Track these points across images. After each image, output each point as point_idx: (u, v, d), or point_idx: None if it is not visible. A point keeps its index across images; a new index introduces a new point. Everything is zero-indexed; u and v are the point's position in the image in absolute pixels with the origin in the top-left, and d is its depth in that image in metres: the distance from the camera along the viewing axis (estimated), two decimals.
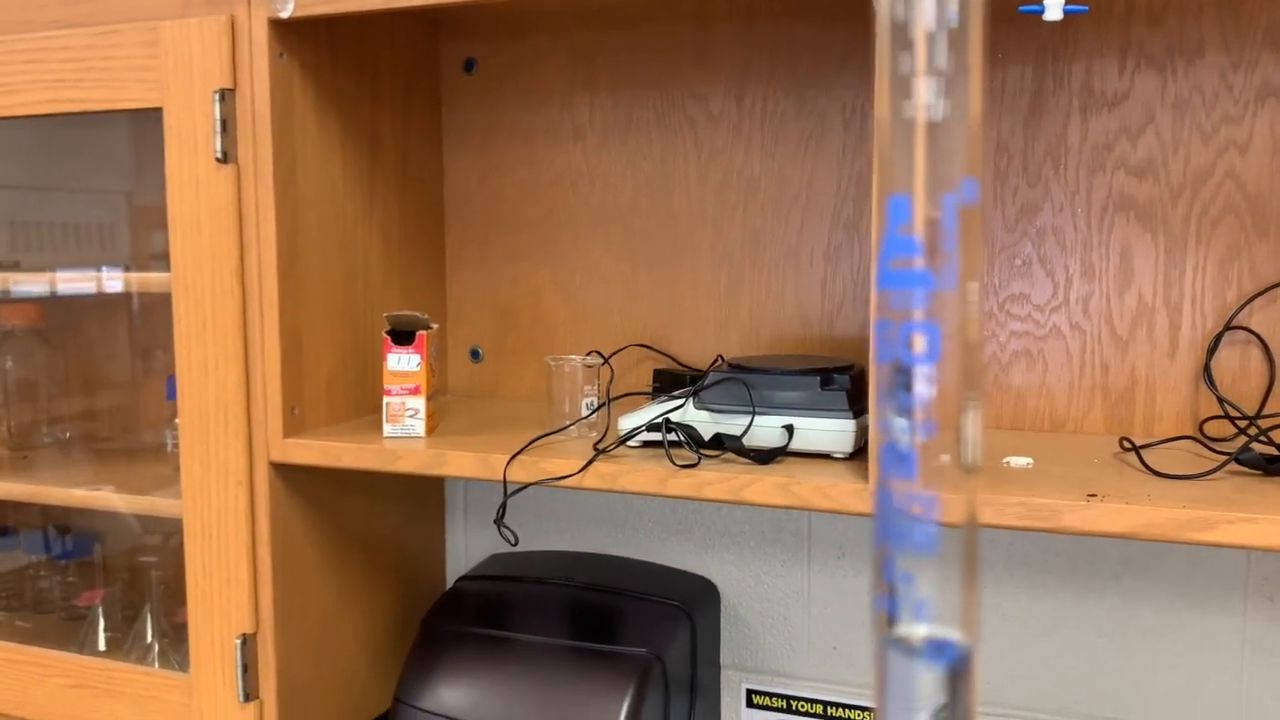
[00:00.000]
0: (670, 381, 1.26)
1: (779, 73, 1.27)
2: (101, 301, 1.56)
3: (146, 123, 1.25)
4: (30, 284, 1.41)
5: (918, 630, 0.27)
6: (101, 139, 1.53)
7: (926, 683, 0.27)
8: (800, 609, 1.32)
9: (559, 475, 1.06)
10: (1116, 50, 1.14)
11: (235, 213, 1.15)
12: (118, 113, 1.21)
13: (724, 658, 1.36)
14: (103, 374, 1.59)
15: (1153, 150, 1.13)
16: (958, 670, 0.26)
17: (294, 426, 1.18)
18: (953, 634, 0.26)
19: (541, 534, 1.44)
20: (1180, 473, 0.97)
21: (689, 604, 1.29)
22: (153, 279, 1.25)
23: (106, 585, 1.51)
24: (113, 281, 1.33)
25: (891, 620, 0.27)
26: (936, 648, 0.26)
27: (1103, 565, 1.18)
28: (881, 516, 0.27)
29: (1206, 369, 1.13)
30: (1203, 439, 1.12)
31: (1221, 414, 1.12)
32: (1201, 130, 1.12)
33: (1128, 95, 1.14)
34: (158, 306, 1.55)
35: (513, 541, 1.45)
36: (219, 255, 1.15)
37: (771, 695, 1.34)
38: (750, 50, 1.28)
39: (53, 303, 1.56)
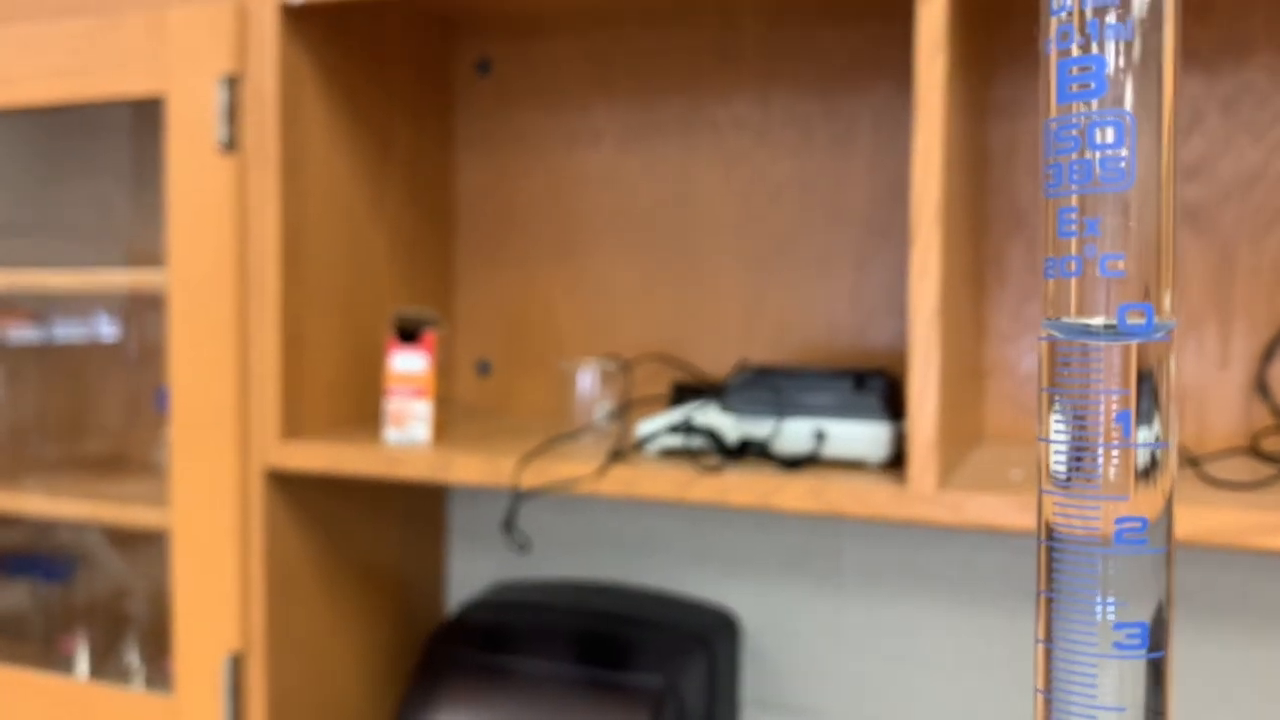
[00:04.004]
0: (690, 395, 1.20)
1: (806, 74, 1.22)
2: (92, 307, 1.51)
3: (146, 148, 1.20)
4: (17, 288, 1.35)
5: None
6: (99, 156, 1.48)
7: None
8: (828, 641, 1.24)
9: (573, 478, 0.99)
10: None
11: (237, 204, 1.09)
12: (119, 111, 1.17)
13: (744, 693, 1.28)
14: (94, 386, 1.53)
15: (1201, 151, 1.08)
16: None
17: (292, 430, 1.12)
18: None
19: (550, 560, 1.36)
20: (1236, 483, 0.90)
21: (706, 634, 1.21)
22: (149, 277, 1.19)
23: (90, 605, 1.44)
24: (107, 277, 1.27)
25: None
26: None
27: None
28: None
29: (1260, 380, 1.06)
30: (1257, 452, 1.05)
31: (1277, 427, 1.06)
32: (1252, 130, 1.07)
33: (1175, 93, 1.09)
34: (155, 319, 1.49)
35: (525, 547, 1.38)
36: (219, 248, 1.10)
37: None
38: (776, 51, 1.23)
39: (43, 313, 1.50)
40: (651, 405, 1.21)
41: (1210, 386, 1.08)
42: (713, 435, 1.01)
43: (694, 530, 1.30)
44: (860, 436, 0.98)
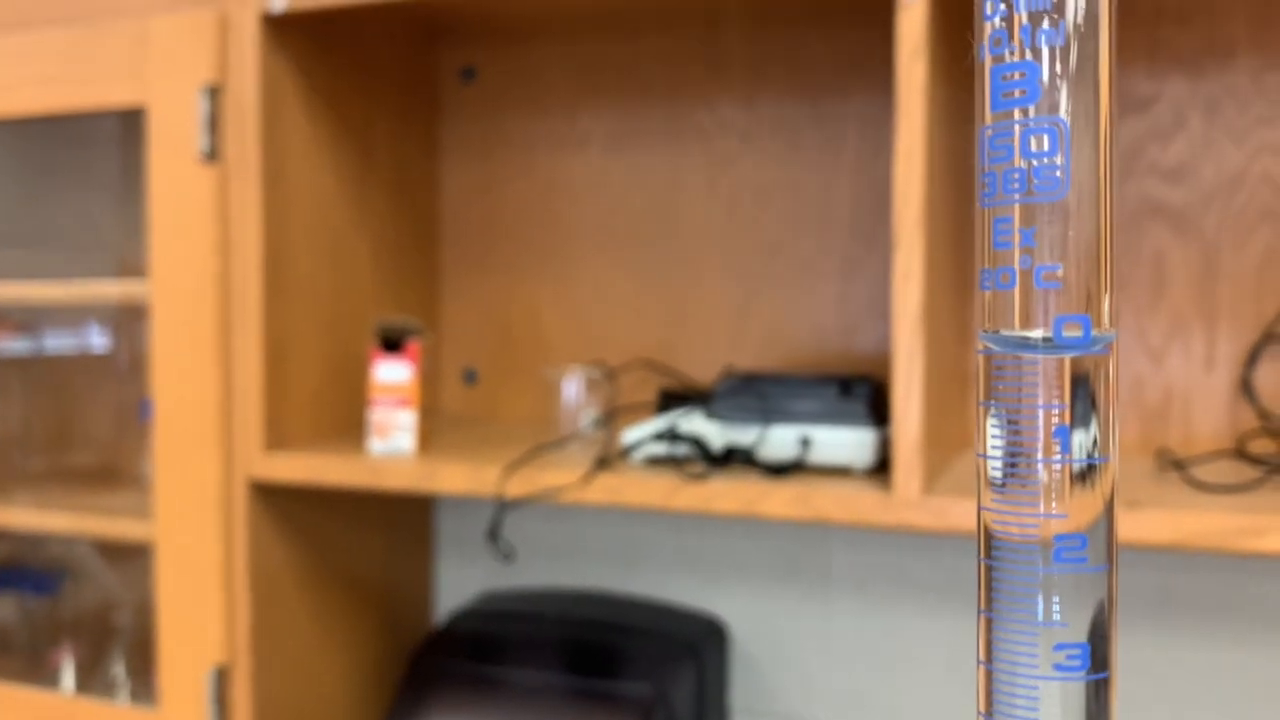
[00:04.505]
0: (678, 402, 1.19)
1: (792, 79, 1.22)
2: (79, 319, 1.50)
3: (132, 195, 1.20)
4: (2, 300, 1.35)
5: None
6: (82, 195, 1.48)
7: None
8: (817, 648, 1.24)
9: (558, 487, 0.99)
10: (1144, 52, 1.09)
11: (219, 214, 1.09)
12: (110, 121, 1.16)
13: (734, 702, 1.28)
14: (82, 398, 1.52)
15: (1184, 154, 1.08)
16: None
17: (275, 441, 1.11)
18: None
19: (539, 569, 1.35)
20: (1222, 486, 0.90)
21: (695, 642, 1.20)
22: (132, 288, 1.19)
23: (77, 619, 1.43)
24: (91, 289, 1.26)
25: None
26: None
27: (1139, 595, 1.11)
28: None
29: (1245, 382, 1.06)
30: (1244, 455, 1.05)
31: (1262, 429, 1.05)
32: (1234, 133, 1.06)
33: (1157, 98, 1.09)
34: (143, 330, 1.49)
35: (510, 556, 1.37)
36: (201, 258, 1.09)
37: None
38: (762, 56, 1.23)
39: (30, 324, 1.50)
40: (638, 412, 1.20)
41: (1196, 389, 1.08)
42: (698, 443, 1.00)
43: (683, 538, 1.29)
44: (846, 442, 0.98)
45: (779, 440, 1.00)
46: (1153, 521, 0.82)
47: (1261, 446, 1.04)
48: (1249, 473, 0.95)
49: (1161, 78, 1.08)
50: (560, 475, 1.00)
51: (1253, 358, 1.06)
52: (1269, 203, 1.05)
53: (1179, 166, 1.08)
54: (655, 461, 1.03)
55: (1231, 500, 0.84)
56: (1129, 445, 1.10)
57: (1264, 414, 1.05)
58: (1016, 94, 0.21)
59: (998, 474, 0.22)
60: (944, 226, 0.96)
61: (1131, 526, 0.82)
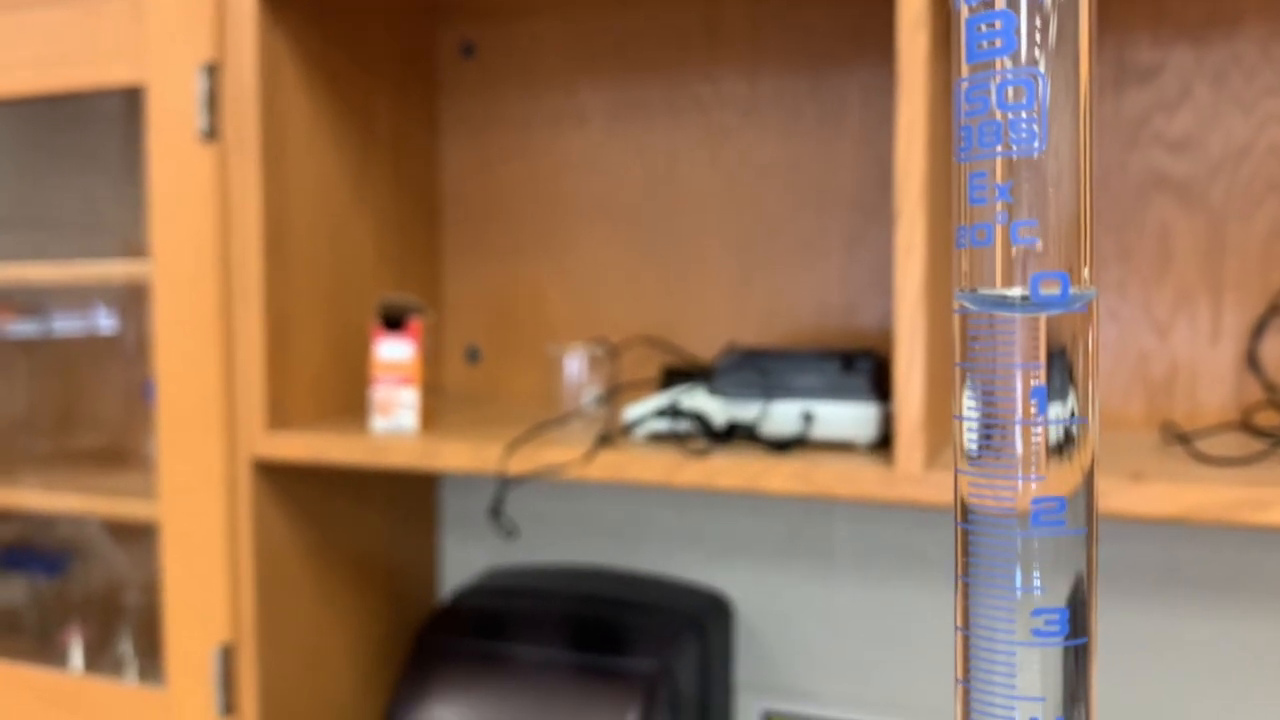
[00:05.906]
0: (680, 379, 1.19)
1: (793, 51, 1.21)
2: (83, 300, 1.50)
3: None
4: (2, 282, 1.35)
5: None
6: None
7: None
8: (822, 623, 1.24)
9: (560, 464, 0.99)
10: (1149, 20, 1.08)
11: (219, 193, 1.08)
12: (113, 100, 1.15)
13: (739, 677, 1.28)
14: (89, 380, 1.52)
15: (1190, 124, 1.07)
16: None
17: (278, 421, 1.11)
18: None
19: (543, 546, 1.36)
20: (1227, 459, 0.89)
21: (700, 617, 1.20)
22: (134, 269, 1.19)
23: (85, 599, 1.43)
24: (92, 269, 1.26)
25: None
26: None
27: (1144, 568, 1.10)
28: None
29: (1251, 355, 1.05)
30: (1249, 428, 1.04)
31: (1268, 401, 1.05)
32: (1241, 103, 1.05)
33: (1162, 67, 1.08)
34: (148, 310, 1.48)
35: (512, 533, 1.37)
36: (202, 238, 1.09)
37: (791, 717, 1.25)
38: (763, 28, 1.22)
39: (34, 307, 1.50)
40: (640, 389, 1.20)
41: (1202, 362, 1.07)
42: (700, 419, 1.00)
43: (687, 513, 1.29)
44: (848, 417, 0.97)
45: (781, 416, 0.99)
46: (1157, 494, 0.81)
47: (1267, 419, 1.04)
48: (1254, 445, 0.94)
49: (1167, 47, 1.07)
50: (563, 452, 0.99)
51: (1259, 330, 1.05)
52: (1276, 174, 1.04)
53: (1185, 137, 1.07)
54: (657, 438, 1.03)
55: (1236, 473, 0.84)
56: (1134, 418, 1.10)
57: (1270, 386, 1.04)
58: (990, 45, 0.20)
59: (974, 436, 0.21)
60: (947, 198, 0.95)
61: (1136, 499, 0.82)
